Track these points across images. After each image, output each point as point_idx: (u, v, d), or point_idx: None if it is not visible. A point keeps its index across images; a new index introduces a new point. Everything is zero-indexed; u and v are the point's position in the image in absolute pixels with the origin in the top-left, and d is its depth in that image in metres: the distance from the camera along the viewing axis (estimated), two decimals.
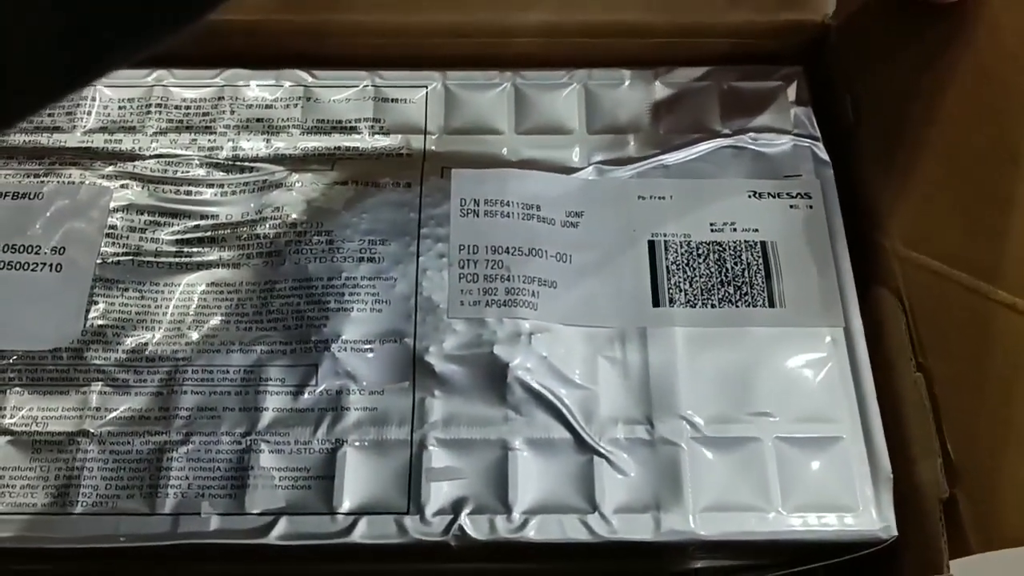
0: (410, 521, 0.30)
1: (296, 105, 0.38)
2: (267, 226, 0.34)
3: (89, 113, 0.37)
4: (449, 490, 0.31)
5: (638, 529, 0.30)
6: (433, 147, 0.37)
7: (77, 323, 0.33)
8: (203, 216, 0.35)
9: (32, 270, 0.33)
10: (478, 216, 0.34)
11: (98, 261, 0.33)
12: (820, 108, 0.38)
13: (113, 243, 0.34)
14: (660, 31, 0.39)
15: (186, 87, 0.38)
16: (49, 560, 0.31)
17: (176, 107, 0.38)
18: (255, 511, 0.30)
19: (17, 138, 0.37)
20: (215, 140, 0.37)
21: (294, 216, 0.34)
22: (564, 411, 0.32)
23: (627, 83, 0.38)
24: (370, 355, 0.33)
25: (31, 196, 0.34)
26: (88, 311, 0.33)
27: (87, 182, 0.35)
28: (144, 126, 0.37)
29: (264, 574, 0.31)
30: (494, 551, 0.30)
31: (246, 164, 0.36)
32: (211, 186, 0.35)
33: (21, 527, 0.30)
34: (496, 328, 0.33)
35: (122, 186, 0.35)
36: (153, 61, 0.38)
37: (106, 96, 0.38)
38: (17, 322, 0.32)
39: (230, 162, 0.36)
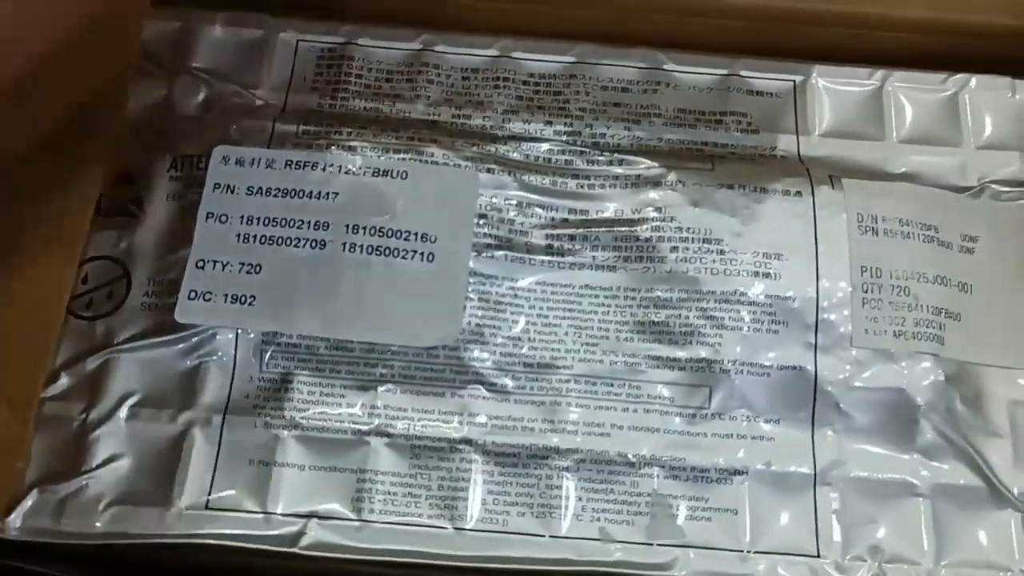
0: (824, 566, 0.28)
1: (655, 91, 0.35)
2: (647, 228, 0.32)
3: (431, 82, 0.34)
4: (861, 535, 0.29)
5: None
6: (808, 151, 0.34)
7: (457, 320, 0.30)
8: (571, 210, 0.32)
9: (402, 257, 0.31)
10: (877, 235, 0.32)
11: (472, 253, 0.31)
12: None
13: (484, 234, 0.31)
14: None
15: (533, 60, 0.35)
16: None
17: (524, 83, 0.35)
18: (656, 542, 0.29)
19: (356, 103, 0.34)
20: (572, 124, 0.34)
21: (680, 220, 0.32)
22: (977, 459, 0.30)
23: (1017, 95, 0.35)
24: (767, 380, 0.30)
25: (394, 174, 0.32)
26: (464, 307, 0.30)
27: (451, 163, 0.32)
28: (492, 102, 0.34)
29: None
30: None
31: (613, 155, 0.33)
32: (576, 176, 0.33)
33: (405, 539, 0.28)
34: (904, 362, 0.30)
35: (487, 170, 0.32)
36: (498, 31, 0.35)
37: (448, 64, 0.35)
38: (391, 314, 0.30)
39: (593, 150, 0.33)
